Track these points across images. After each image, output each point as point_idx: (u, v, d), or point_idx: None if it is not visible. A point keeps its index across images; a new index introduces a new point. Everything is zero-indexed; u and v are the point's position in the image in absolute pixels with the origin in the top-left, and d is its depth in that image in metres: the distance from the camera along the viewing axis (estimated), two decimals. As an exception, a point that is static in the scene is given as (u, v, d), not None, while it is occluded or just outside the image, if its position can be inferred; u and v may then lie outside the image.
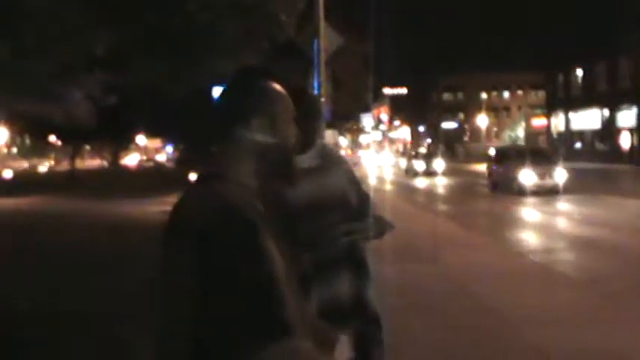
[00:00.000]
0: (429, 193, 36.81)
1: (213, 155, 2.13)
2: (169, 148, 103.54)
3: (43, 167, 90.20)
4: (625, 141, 62.30)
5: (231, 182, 2.03)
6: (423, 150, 58.67)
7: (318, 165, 3.62)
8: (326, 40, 14.21)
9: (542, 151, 39.05)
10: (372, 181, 43.77)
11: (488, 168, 35.53)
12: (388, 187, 42.20)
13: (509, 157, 31.86)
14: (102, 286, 10.15)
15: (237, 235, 1.88)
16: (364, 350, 3.61)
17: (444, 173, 51.27)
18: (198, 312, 1.88)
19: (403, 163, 63.28)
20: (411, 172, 52.86)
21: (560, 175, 28.93)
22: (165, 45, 13.42)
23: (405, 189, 39.94)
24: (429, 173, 50.70)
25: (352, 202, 3.74)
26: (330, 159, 3.77)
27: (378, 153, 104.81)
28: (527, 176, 28.38)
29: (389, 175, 56.78)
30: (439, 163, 52.38)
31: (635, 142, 60.18)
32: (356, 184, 3.87)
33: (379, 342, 3.72)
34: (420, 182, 45.42)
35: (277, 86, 2.21)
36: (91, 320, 8.19)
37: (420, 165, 52.29)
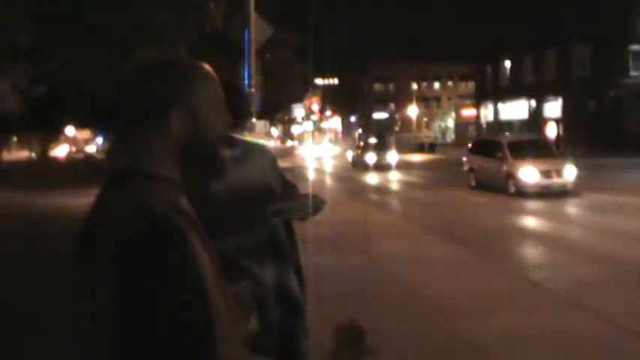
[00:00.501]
0: (401, 197, 27.90)
1: (131, 147, 1.89)
2: (99, 140, 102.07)
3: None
4: (551, 131, 63.55)
5: (151, 179, 1.79)
6: (373, 140, 52.15)
7: (240, 154, 3.61)
8: (257, 30, 14.13)
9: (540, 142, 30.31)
10: (312, 177, 39.59)
11: (467, 161, 28.78)
12: (334, 185, 34.26)
13: (498, 148, 26.04)
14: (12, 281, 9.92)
15: (160, 245, 1.64)
16: (290, 339, 3.61)
17: (398, 167, 46.07)
18: (114, 342, 1.62)
19: (345, 154, 58.70)
20: (360, 166, 47.20)
21: (570, 172, 23.97)
22: (92, 34, 13.20)
23: (358, 188, 31.51)
24: (381, 167, 45.25)
25: (276, 191, 3.74)
26: (253, 148, 3.73)
27: (317, 143, 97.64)
28: (530, 174, 23.48)
29: (332, 169, 51.09)
30: (392, 156, 46.97)
31: (561, 132, 61.44)
32: (279, 172, 3.86)
33: (305, 330, 3.71)
34: (374, 178, 38.87)
35: (202, 71, 1.94)
36: None
37: (370, 157, 46.74)
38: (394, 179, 37.74)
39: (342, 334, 2.04)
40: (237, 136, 3.69)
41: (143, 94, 1.88)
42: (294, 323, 3.66)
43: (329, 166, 55.15)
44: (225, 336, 1.68)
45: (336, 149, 73.02)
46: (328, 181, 37.33)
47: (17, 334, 7.33)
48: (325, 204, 3.76)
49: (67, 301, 1.75)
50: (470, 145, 31.19)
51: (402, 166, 47.14)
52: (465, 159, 29.38)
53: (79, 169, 46.84)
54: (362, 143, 54.90)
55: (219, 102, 1.96)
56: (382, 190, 31.01)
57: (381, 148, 48.58)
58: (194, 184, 2.99)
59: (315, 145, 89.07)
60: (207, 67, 1.97)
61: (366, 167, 45.42)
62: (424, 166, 47.89)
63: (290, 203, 3.63)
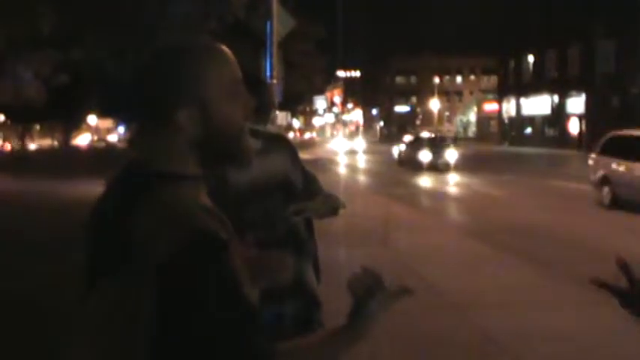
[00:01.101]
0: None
1: (147, 141, 1.72)
2: (121, 129, 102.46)
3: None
4: (574, 127, 63.26)
5: (178, 180, 1.64)
6: (426, 134, 43.45)
7: (262, 147, 3.60)
8: (279, 21, 14.13)
9: None
10: (355, 179, 33.41)
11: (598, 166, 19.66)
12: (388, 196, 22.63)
13: None
14: (36, 267, 9.99)
15: (208, 268, 1.52)
16: (304, 332, 3.61)
17: (457, 167, 36.42)
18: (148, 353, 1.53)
19: (391, 149, 48.42)
20: (410, 165, 37.82)
21: None
22: (115, 23, 13.25)
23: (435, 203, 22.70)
24: (437, 167, 35.82)
25: (296, 184, 3.74)
26: (273, 141, 3.72)
27: (349, 138, 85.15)
28: None
29: (374, 168, 43.19)
30: (451, 154, 37.25)
31: (583, 129, 61.09)
32: (300, 165, 3.85)
33: (320, 324, 3.71)
34: (445, 185, 28.75)
35: (216, 53, 1.73)
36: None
37: (424, 155, 36.78)
38: (463, 187, 28.26)
39: (359, 286, 1.87)
40: (259, 128, 3.69)
41: (149, 87, 1.71)
42: (310, 316, 3.67)
43: (368, 164, 48.28)
44: (260, 329, 1.61)
45: (364, 143, 63.16)
46: (375, 187, 27.86)
47: (41, 324, 7.38)
48: (344, 206, 3.75)
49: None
50: (602, 143, 20.62)
51: (463, 165, 37.53)
52: (592, 162, 20.55)
53: (100, 158, 47.03)
54: (411, 137, 45.11)
55: (237, 87, 1.74)
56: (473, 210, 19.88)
57: (436, 143, 39.39)
58: (215, 177, 3.02)
59: (345, 138, 75.65)
60: (220, 46, 1.75)
61: (418, 167, 36.33)
62: (486, 164, 41.89)
63: (310, 204, 3.61)
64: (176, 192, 1.61)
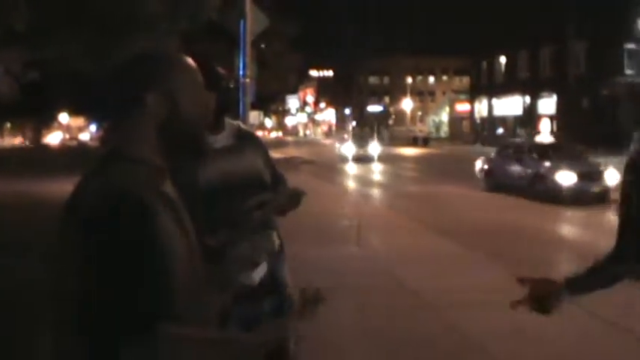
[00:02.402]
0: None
1: (115, 131, 2.02)
2: (93, 127, 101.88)
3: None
4: (545, 127, 63.75)
5: (130, 160, 1.90)
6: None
7: (233, 145, 3.64)
8: (252, 20, 14.08)
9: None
10: None
11: None
12: None
13: None
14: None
15: (127, 221, 1.75)
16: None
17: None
18: (88, 300, 1.75)
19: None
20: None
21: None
22: (88, 21, 13.15)
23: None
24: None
25: (267, 183, 3.76)
26: (246, 139, 3.75)
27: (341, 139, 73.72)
28: None
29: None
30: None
31: (555, 129, 61.61)
32: (271, 165, 3.87)
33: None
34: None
35: (179, 60, 2.06)
36: None
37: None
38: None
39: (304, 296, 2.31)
40: (233, 125, 3.74)
41: (122, 80, 2.01)
42: (283, 313, 3.67)
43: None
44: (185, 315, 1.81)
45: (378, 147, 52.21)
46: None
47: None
48: (305, 196, 3.76)
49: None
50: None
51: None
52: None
53: (72, 156, 46.69)
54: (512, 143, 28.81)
55: (198, 87, 2.07)
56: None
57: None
58: (187, 173, 3.07)
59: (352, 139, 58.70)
60: (186, 57, 2.08)
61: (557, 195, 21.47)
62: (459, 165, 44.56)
63: (270, 195, 3.63)
64: (126, 170, 1.87)
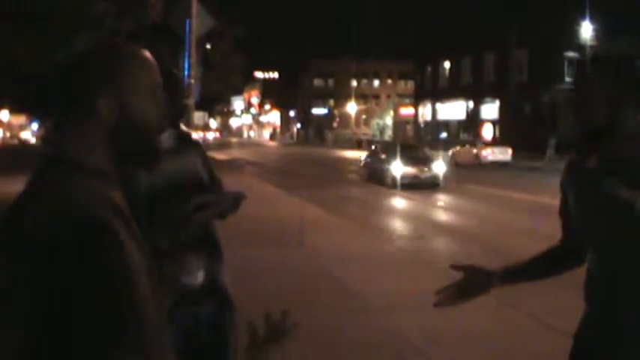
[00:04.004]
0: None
1: (62, 134, 1.79)
2: (35, 125, 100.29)
3: None
4: (487, 132, 64.60)
5: (83, 171, 1.68)
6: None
7: (174, 146, 3.60)
8: (198, 21, 14.04)
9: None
10: None
11: None
12: None
13: None
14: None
15: (93, 246, 1.54)
16: (219, 334, 3.65)
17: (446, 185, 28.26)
18: (34, 337, 1.52)
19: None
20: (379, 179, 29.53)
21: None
22: (31, 19, 12.99)
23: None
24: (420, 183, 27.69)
25: (207, 184, 3.76)
26: (186, 140, 3.74)
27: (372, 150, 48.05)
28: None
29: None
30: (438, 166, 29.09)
31: (497, 134, 62.46)
32: (209, 166, 3.87)
33: (233, 326, 3.72)
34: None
35: (135, 56, 1.82)
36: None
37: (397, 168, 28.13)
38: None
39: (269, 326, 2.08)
40: (182, 126, 3.74)
41: (70, 79, 1.78)
42: (223, 319, 3.69)
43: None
44: (153, 340, 1.60)
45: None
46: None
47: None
48: (245, 198, 3.74)
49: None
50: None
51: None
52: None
53: (13, 155, 45.89)
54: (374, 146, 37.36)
55: (155, 89, 1.84)
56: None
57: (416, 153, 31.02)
58: (128, 176, 3.01)
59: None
60: (143, 52, 1.86)
61: (391, 183, 28.09)
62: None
63: (212, 197, 3.54)
64: (78, 182, 1.65)
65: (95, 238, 1.55)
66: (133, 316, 1.55)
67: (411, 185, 27.47)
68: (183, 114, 3.76)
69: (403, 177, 28.12)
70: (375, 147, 35.40)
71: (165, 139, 3.54)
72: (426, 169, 28.76)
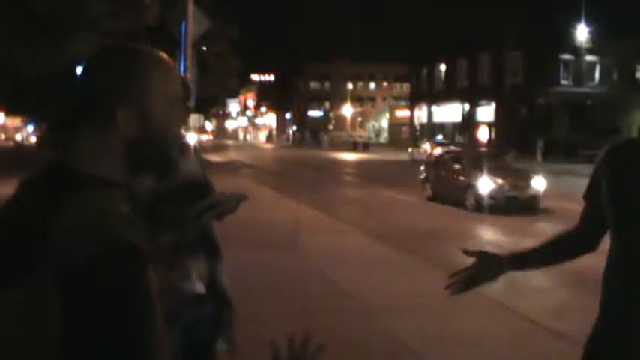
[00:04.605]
0: None
1: (72, 141, 1.66)
2: (30, 128, 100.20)
3: None
4: (483, 135, 64.66)
5: (95, 183, 1.57)
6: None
7: (179, 150, 3.67)
8: (194, 23, 14.05)
9: None
10: None
11: None
12: None
13: None
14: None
15: (120, 270, 1.46)
16: (217, 333, 3.69)
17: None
18: None
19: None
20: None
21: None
22: (25, 21, 12.98)
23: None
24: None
25: (205, 186, 3.85)
26: (184, 144, 3.81)
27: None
28: None
29: None
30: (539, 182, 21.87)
31: (492, 136, 62.55)
32: (202, 168, 3.96)
33: (231, 324, 3.78)
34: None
35: (158, 60, 1.70)
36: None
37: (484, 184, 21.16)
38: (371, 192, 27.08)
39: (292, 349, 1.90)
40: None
41: (87, 86, 1.66)
42: (222, 317, 3.73)
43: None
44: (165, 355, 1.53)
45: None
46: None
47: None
48: (246, 199, 3.77)
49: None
50: None
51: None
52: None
53: (8, 157, 45.83)
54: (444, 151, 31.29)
55: (176, 97, 1.72)
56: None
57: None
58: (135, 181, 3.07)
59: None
60: (164, 56, 1.73)
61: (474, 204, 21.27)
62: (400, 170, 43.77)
63: (220, 197, 3.59)
64: (102, 198, 1.54)
65: (124, 262, 1.47)
66: (155, 342, 1.49)
67: (505, 208, 20.22)
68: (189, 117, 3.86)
69: (494, 196, 20.66)
70: (443, 154, 27.76)
71: None
72: (525, 185, 21.40)
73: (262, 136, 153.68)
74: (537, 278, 10.62)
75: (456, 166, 23.57)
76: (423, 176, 25.12)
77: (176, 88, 1.72)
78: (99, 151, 1.63)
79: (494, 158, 25.14)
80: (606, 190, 2.67)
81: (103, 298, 1.43)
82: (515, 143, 55.20)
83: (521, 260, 2.97)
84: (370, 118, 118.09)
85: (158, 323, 1.50)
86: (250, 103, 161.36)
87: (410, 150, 59.10)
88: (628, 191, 2.58)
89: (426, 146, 54.81)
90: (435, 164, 25.65)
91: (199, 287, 3.63)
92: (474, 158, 23.89)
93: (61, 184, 1.57)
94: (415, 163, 45.23)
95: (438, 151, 45.55)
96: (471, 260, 3.04)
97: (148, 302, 1.48)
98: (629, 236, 2.59)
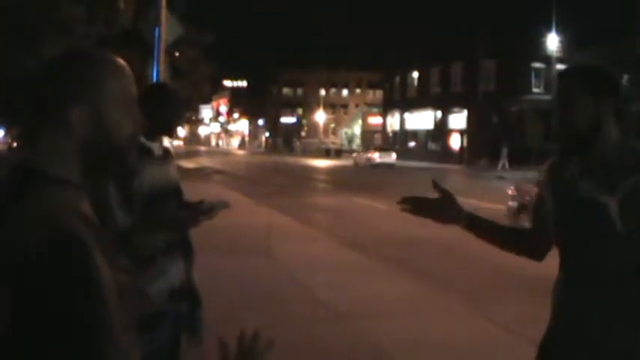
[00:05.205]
0: None
1: (32, 143, 1.71)
2: (0, 132, 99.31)
3: None
4: (455, 142, 65.02)
5: (50, 181, 1.62)
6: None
7: (162, 155, 3.89)
8: (167, 28, 13.99)
9: None
10: None
11: None
12: None
13: None
14: None
15: (68, 265, 1.49)
16: (191, 328, 3.99)
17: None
18: None
19: None
20: None
21: None
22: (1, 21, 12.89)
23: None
24: None
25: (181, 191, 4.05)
26: (166, 150, 3.97)
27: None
28: None
29: None
30: None
31: (465, 144, 62.89)
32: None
33: (200, 320, 4.05)
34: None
35: (112, 64, 1.76)
36: None
37: None
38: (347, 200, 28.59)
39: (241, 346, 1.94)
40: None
41: (42, 86, 1.72)
42: (196, 314, 3.99)
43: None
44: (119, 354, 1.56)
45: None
46: None
47: None
48: (228, 207, 3.91)
49: None
50: None
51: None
52: None
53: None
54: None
55: (131, 100, 1.78)
56: None
57: None
58: (120, 182, 3.23)
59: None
60: (120, 61, 1.79)
61: None
62: (371, 177, 44.26)
63: (210, 205, 3.77)
64: (51, 194, 1.60)
65: (71, 257, 1.50)
66: (103, 334, 1.51)
67: None
68: (178, 125, 4.07)
69: None
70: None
71: (157, 148, 3.84)
72: None
73: (235, 142, 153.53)
74: (514, 285, 10.70)
75: None
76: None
77: (131, 90, 1.79)
78: (56, 151, 1.68)
79: None
80: (549, 207, 2.81)
81: (49, 287, 1.47)
82: (486, 151, 55.58)
83: (476, 224, 3.01)
84: (343, 124, 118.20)
85: (109, 318, 1.52)
86: (223, 109, 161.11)
87: (354, 155, 67.43)
88: (566, 208, 2.71)
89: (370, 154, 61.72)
90: None
91: (175, 286, 3.82)
92: None
93: (21, 182, 1.62)
94: (358, 167, 57.78)
95: (376, 155, 59.39)
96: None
97: (95, 292, 1.51)
98: (570, 245, 2.72)
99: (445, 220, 3.00)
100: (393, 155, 60.69)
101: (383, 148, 64.92)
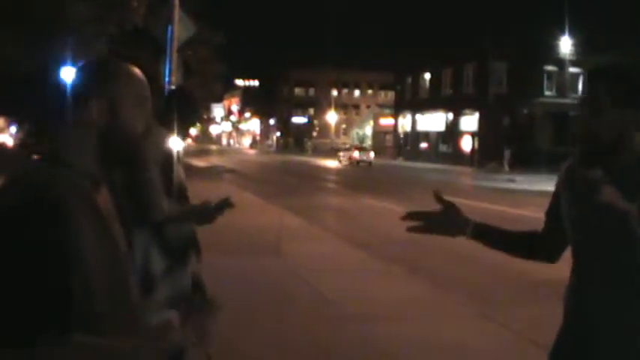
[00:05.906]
0: None
1: (53, 137, 1.97)
2: (13, 129, 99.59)
3: None
4: (466, 144, 64.88)
5: (63, 165, 1.86)
6: None
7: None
8: (179, 27, 13.98)
9: None
10: None
11: None
12: None
13: None
14: None
15: (38, 220, 1.69)
16: (200, 327, 4.00)
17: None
18: None
19: None
20: None
21: None
22: (11, 20, 12.91)
23: None
24: None
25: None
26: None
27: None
28: None
29: None
30: None
31: (476, 146, 62.76)
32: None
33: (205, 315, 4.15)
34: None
35: (126, 69, 2.05)
36: None
37: None
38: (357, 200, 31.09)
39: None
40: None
41: (72, 81, 1.99)
42: (206, 311, 4.00)
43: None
44: (102, 323, 1.74)
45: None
46: None
47: None
48: (233, 206, 4.04)
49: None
50: None
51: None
52: None
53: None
54: None
55: (142, 100, 2.05)
56: None
57: None
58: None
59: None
60: (133, 68, 2.07)
61: None
62: (383, 177, 45.10)
63: (225, 203, 4.01)
64: (59, 174, 1.83)
65: (45, 210, 1.70)
66: (80, 292, 1.70)
67: None
68: (192, 127, 4.26)
69: None
70: None
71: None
72: None
73: (246, 141, 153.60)
74: (526, 289, 10.66)
75: None
76: None
77: (143, 91, 2.07)
78: (76, 141, 1.95)
79: None
80: (566, 208, 2.77)
81: (26, 244, 1.68)
82: (497, 153, 55.45)
83: (484, 233, 2.99)
84: (354, 125, 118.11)
85: (84, 277, 1.73)
86: (234, 108, 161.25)
87: (340, 154, 70.90)
88: (582, 211, 2.68)
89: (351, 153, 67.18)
90: None
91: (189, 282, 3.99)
92: None
93: (38, 163, 1.90)
94: (342, 164, 64.32)
95: (356, 154, 65.56)
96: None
97: (72, 255, 1.72)
98: (584, 248, 2.69)
99: (453, 233, 2.98)
100: (371, 154, 67.21)
101: (362, 148, 72.07)
